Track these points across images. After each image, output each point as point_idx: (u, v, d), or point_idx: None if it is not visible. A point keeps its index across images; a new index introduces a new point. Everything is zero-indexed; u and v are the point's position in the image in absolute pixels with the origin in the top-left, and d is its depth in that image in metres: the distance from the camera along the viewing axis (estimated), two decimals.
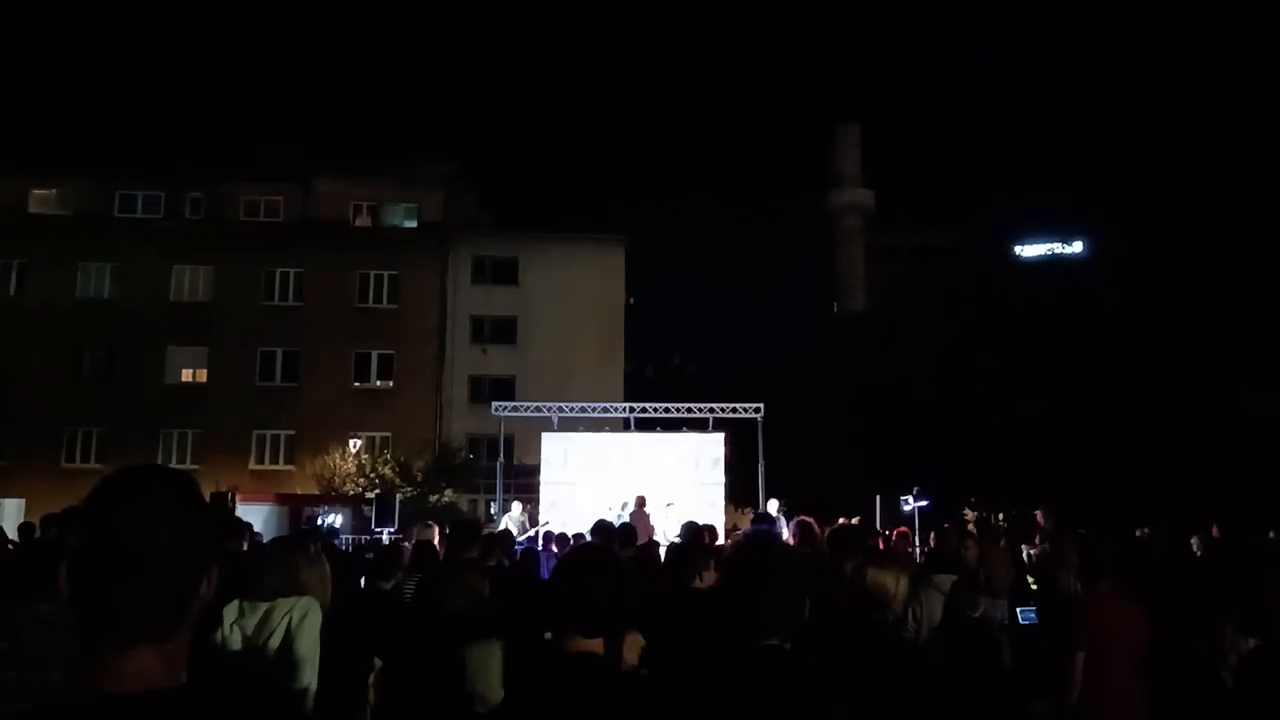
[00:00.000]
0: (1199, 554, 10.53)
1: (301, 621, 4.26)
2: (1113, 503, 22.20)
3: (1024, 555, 9.68)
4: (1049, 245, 60.25)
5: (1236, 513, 16.11)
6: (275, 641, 4.22)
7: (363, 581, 7.07)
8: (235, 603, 4.34)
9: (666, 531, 14.95)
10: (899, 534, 10.03)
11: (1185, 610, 5.47)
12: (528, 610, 4.22)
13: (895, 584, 3.91)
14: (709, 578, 4.98)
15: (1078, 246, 58.47)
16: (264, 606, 4.29)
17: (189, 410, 32.23)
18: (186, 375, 33.68)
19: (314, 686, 4.28)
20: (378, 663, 5.39)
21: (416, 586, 5.78)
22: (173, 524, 1.37)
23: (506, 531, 9.25)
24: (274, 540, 4.88)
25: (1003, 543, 9.97)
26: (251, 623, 4.26)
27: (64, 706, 1.35)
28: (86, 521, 1.39)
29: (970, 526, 18.54)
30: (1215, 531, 11.72)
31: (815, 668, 2.18)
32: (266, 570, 4.42)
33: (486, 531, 9.85)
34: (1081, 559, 6.01)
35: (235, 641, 4.22)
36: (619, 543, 7.39)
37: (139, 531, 1.35)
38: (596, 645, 2.71)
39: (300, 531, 15.77)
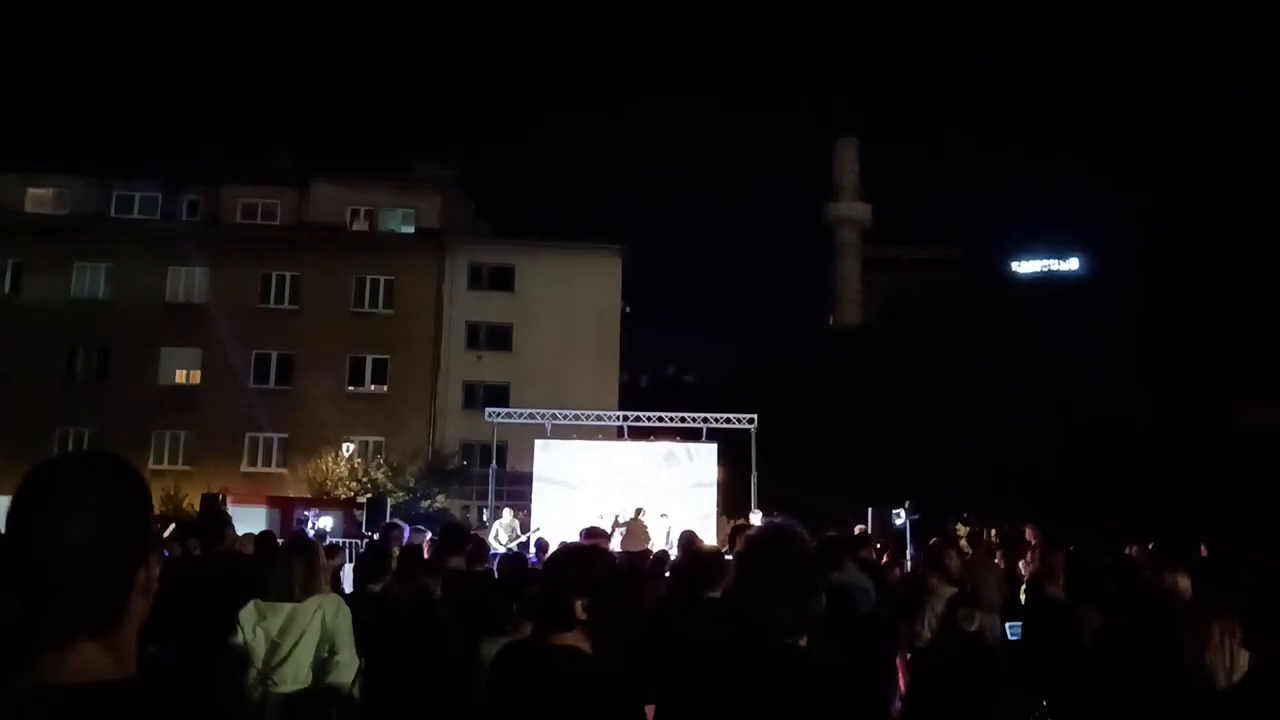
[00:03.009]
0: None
1: (336, 616, 4.32)
2: (1106, 519, 22.19)
3: (1020, 570, 9.58)
4: (1045, 262, 60.38)
5: (1232, 531, 16.08)
6: (313, 639, 4.24)
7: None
8: (251, 605, 4.30)
9: (658, 542, 14.94)
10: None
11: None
12: (493, 608, 4.25)
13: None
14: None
15: (1073, 263, 58.61)
16: (286, 608, 4.28)
17: (182, 411, 32.15)
18: (180, 376, 33.63)
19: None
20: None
21: (400, 590, 5.77)
22: (89, 516, 1.34)
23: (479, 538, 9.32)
24: (289, 542, 4.96)
25: (998, 556, 9.91)
26: (276, 624, 4.24)
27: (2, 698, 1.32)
28: (6, 519, 1.37)
29: (962, 541, 18.52)
30: (1204, 551, 11.68)
31: (834, 667, 2.19)
32: (292, 571, 4.42)
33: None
34: (1069, 574, 6.01)
35: (260, 643, 4.20)
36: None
37: (52, 526, 1.32)
38: (580, 639, 2.70)
39: (303, 532, 15.70)
